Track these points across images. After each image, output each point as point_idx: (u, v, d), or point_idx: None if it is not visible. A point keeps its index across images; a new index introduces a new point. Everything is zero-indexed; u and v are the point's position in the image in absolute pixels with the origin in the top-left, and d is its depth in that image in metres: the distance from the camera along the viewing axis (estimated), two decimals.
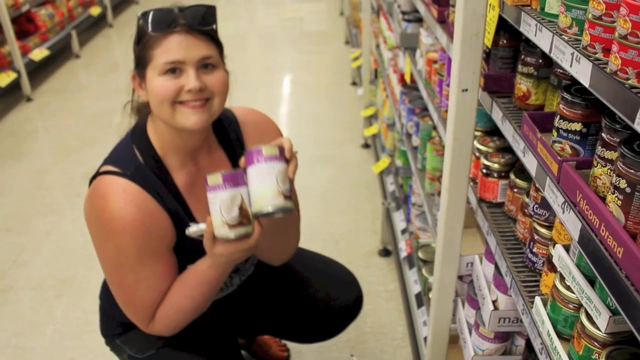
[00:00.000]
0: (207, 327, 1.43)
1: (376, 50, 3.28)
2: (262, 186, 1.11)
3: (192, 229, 1.20)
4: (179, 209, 1.28)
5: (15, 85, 4.31)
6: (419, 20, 2.24)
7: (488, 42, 1.19)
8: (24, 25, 4.77)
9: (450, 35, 1.43)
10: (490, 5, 1.15)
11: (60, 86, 4.78)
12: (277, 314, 1.66)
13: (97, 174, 1.26)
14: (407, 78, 2.26)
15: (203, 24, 1.19)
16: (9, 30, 4.25)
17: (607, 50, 0.81)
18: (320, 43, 5.62)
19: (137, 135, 1.29)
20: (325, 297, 1.64)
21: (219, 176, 1.10)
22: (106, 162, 1.28)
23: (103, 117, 4.15)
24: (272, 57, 5.36)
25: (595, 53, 0.84)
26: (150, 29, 1.17)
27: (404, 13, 2.33)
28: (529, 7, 1.08)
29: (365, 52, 3.60)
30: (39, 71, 4.88)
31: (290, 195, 1.14)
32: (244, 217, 1.12)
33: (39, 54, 4.64)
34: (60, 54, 5.30)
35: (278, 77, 4.87)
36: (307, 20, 6.46)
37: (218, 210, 1.10)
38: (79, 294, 2.44)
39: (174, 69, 1.16)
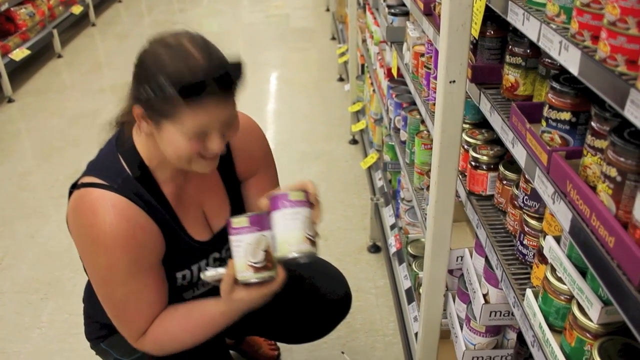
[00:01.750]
0: None
1: (363, 46, 3.26)
2: (288, 232, 1.10)
3: (210, 273, 1.18)
4: (170, 220, 1.25)
5: None
6: (406, 14, 2.23)
7: (475, 32, 1.18)
8: (4, 25, 4.68)
9: (437, 27, 1.41)
10: None
11: (42, 86, 4.70)
12: (265, 313, 1.64)
13: (81, 184, 1.21)
14: (394, 72, 2.25)
15: (235, 86, 1.13)
16: None
17: (595, 38, 0.80)
18: (307, 39, 5.59)
19: (123, 145, 1.24)
20: (313, 296, 1.62)
21: (246, 219, 1.09)
22: (90, 172, 1.22)
23: (86, 117, 4.08)
24: (258, 53, 5.32)
25: (584, 41, 0.82)
26: (177, 93, 1.06)
27: (390, 7, 2.31)
28: None
29: (352, 48, 3.58)
30: (20, 71, 4.79)
31: (315, 240, 1.13)
32: (269, 261, 1.11)
33: (20, 53, 4.56)
34: (42, 54, 5.21)
35: (264, 74, 4.83)
36: (293, 16, 6.42)
37: (242, 253, 1.09)
38: (64, 297, 2.40)
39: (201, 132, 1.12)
